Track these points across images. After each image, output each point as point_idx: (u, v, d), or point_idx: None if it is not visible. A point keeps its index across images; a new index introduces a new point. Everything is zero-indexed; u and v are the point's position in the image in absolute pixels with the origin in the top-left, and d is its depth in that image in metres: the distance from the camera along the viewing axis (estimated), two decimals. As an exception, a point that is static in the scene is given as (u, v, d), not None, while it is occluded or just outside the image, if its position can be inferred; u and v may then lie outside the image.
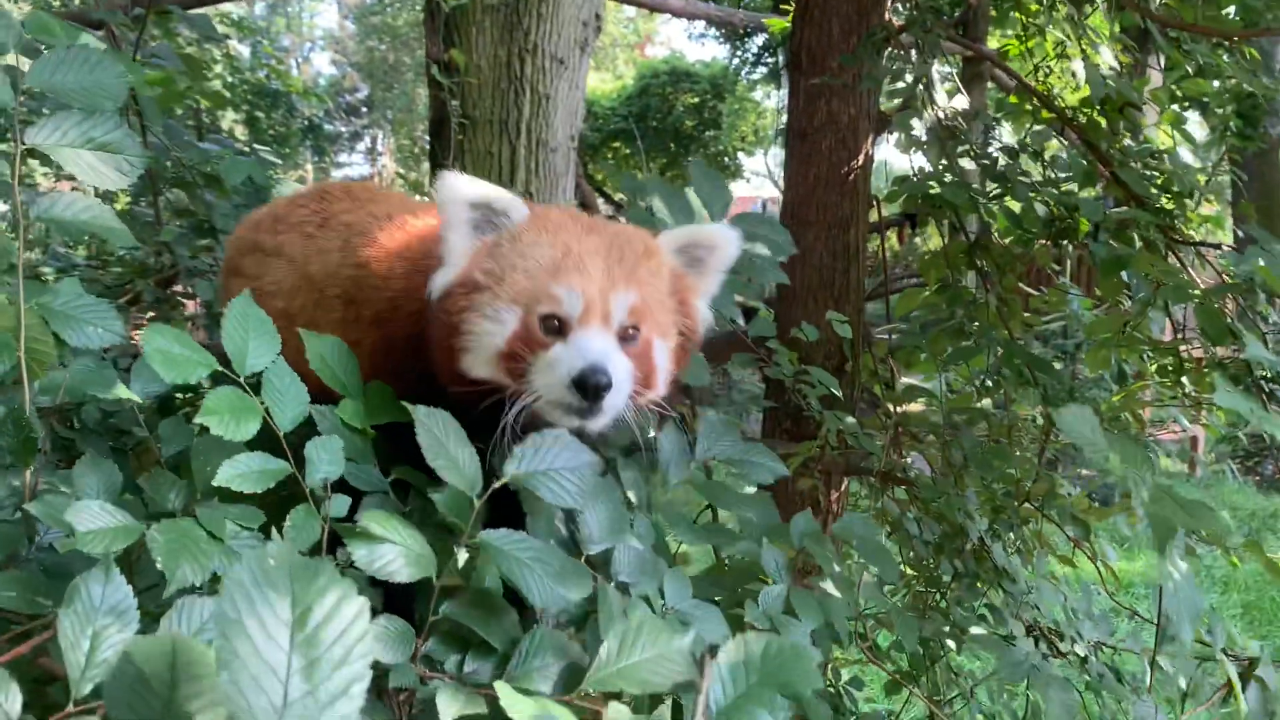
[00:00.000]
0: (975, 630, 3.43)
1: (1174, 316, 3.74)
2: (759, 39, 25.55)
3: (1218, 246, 3.77)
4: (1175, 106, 4.57)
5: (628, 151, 24.98)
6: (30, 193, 1.84)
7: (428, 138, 6.17)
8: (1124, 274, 3.64)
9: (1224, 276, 3.72)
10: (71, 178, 1.89)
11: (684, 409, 2.48)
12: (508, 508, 2.01)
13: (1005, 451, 3.63)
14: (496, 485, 1.75)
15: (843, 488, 4.42)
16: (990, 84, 10.57)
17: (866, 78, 3.98)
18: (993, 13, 7.65)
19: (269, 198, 4.21)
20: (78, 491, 1.72)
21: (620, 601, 1.86)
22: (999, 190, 3.73)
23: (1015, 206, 3.73)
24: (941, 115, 3.87)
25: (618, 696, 1.58)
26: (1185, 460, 12.93)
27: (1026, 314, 4.40)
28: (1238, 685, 3.01)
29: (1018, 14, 4.65)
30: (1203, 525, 1.87)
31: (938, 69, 3.92)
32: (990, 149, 3.91)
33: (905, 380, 4.60)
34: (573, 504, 1.83)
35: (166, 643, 1.07)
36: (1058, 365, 5.69)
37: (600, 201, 10.65)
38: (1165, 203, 3.70)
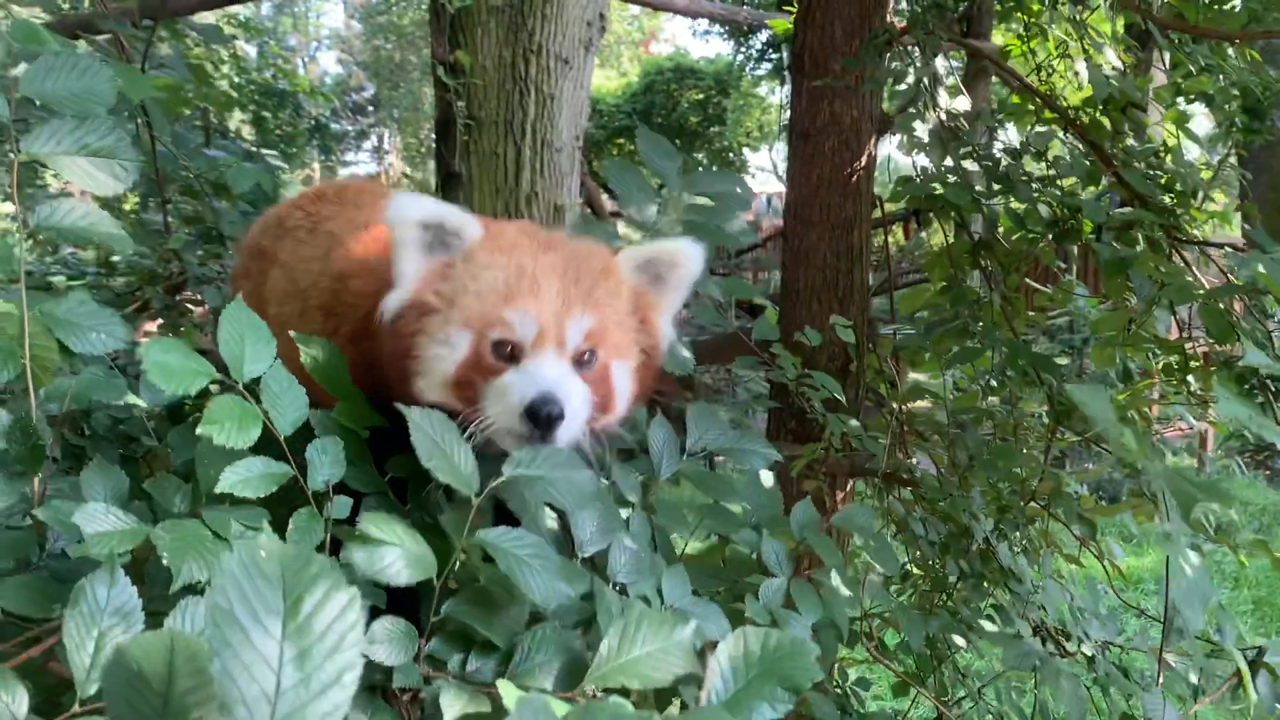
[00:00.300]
0: (983, 625, 3.43)
1: (1179, 315, 3.74)
2: (763, 35, 25.53)
3: (1221, 246, 3.76)
4: (1180, 103, 4.56)
5: (632, 149, 24.98)
6: (30, 200, 1.87)
7: (434, 137, 6.19)
8: (1128, 274, 3.64)
9: (1229, 275, 3.72)
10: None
11: (685, 404, 2.46)
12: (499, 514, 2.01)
13: (1011, 450, 3.63)
14: (495, 484, 1.73)
15: (848, 489, 4.43)
16: (995, 80, 10.53)
17: (869, 79, 3.98)
18: (997, 8, 7.63)
19: (278, 200, 4.24)
20: (85, 496, 1.74)
21: (618, 601, 1.86)
22: (1002, 191, 3.73)
23: (1018, 207, 3.73)
24: (944, 116, 3.88)
25: (623, 693, 1.60)
26: (1193, 456, 12.90)
27: (1032, 312, 4.40)
28: (1247, 674, 3.00)
29: (1019, 15, 4.65)
30: (1218, 500, 1.87)
31: (941, 65, 3.92)
32: (993, 149, 3.91)
33: (912, 376, 4.61)
34: (576, 504, 1.82)
35: (164, 639, 1.08)
36: (1064, 360, 5.69)
37: (605, 198, 10.65)
38: (1168, 201, 3.69)
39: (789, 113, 4.66)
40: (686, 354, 2.57)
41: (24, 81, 1.84)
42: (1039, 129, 3.95)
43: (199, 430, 1.66)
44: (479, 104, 5.72)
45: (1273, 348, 3.13)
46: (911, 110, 3.77)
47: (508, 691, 1.49)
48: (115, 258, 4.55)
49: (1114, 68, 3.96)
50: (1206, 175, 4.31)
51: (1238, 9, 4.36)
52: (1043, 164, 3.87)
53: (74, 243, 2.33)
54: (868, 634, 3.48)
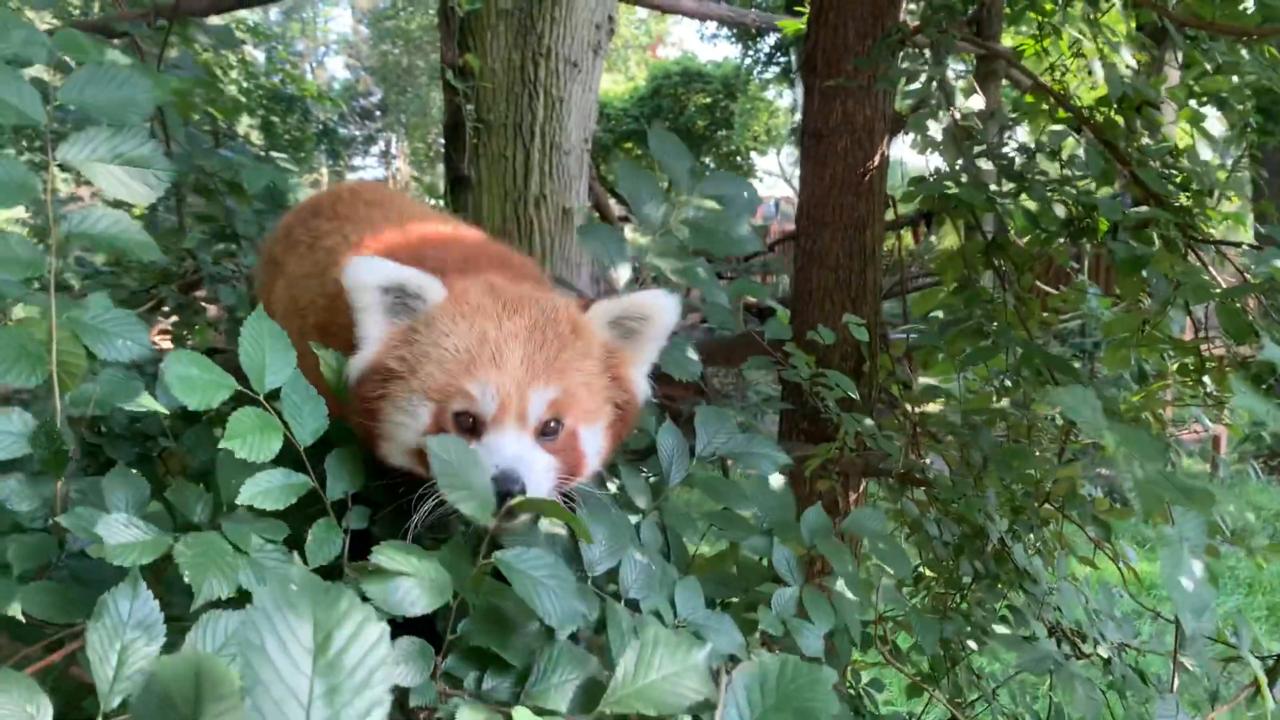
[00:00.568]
0: (997, 629, 3.41)
1: (1195, 315, 3.72)
2: (771, 38, 25.55)
3: (1238, 245, 3.74)
4: (1193, 103, 4.54)
5: (639, 152, 25.02)
6: (60, 207, 1.88)
7: (442, 141, 6.21)
8: (1143, 273, 3.62)
9: (1245, 275, 3.70)
10: (89, 184, 1.92)
11: (695, 407, 2.44)
12: None
13: (1026, 451, 3.61)
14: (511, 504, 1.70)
15: (861, 489, 4.42)
16: (1005, 82, 10.52)
17: (881, 79, 3.98)
18: (1007, 10, 7.61)
19: (286, 202, 4.26)
20: (107, 504, 1.74)
21: (630, 620, 1.84)
22: (1016, 190, 3.72)
23: (1032, 206, 3.71)
24: (957, 115, 3.87)
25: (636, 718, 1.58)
26: (1207, 460, 12.83)
27: (1045, 313, 4.38)
28: (1264, 682, 2.98)
29: (1032, 14, 4.64)
30: (1196, 505, 1.84)
31: (953, 69, 3.91)
32: (1006, 148, 3.89)
33: (921, 381, 4.59)
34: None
35: (191, 663, 1.09)
36: (1075, 364, 5.66)
37: (612, 203, 10.65)
38: (1183, 200, 3.68)
39: (800, 113, 4.66)
40: (694, 359, 2.53)
41: (64, 90, 1.86)
42: (1054, 128, 3.94)
43: (222, 444, 1.67)
44: (488, 107, 5.73)
45: (1291, 345, 3.11)
46: (925, 109, 3.76)
47: (524, 719, 1.48)
48: (131, 259, 4.57)
49: (1129, 66, 3.95)
50: (1221, 176, 4.29)
51: (1250, 10, 4.34)
52: (1056, 164, 3.86)
53: (104, 250, 2.33)
54: (881, 637, 3.46)
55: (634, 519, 2.22)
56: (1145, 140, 3.77)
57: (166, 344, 4.26)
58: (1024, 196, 3.71)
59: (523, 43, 5.86)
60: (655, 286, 2.37)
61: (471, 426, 1.86)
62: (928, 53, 3.93)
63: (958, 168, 3.76)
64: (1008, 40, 7.63)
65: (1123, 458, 1.72)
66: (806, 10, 4.53)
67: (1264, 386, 3.20)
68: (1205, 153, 4.02)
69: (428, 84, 31.30)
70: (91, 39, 2.17)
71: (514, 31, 5.86)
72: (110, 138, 1.87)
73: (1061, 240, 3.85)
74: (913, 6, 4.55)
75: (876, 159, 4.33)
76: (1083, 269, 5.17)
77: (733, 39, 27.50)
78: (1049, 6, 4.40)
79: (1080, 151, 3.83)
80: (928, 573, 3.86)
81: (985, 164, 3.79)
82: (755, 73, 27.74)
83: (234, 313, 3.85)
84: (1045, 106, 4.13)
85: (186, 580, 1.52)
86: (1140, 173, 3.52)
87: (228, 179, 4.08)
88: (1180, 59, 4.32)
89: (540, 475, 1.86)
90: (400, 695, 1.65)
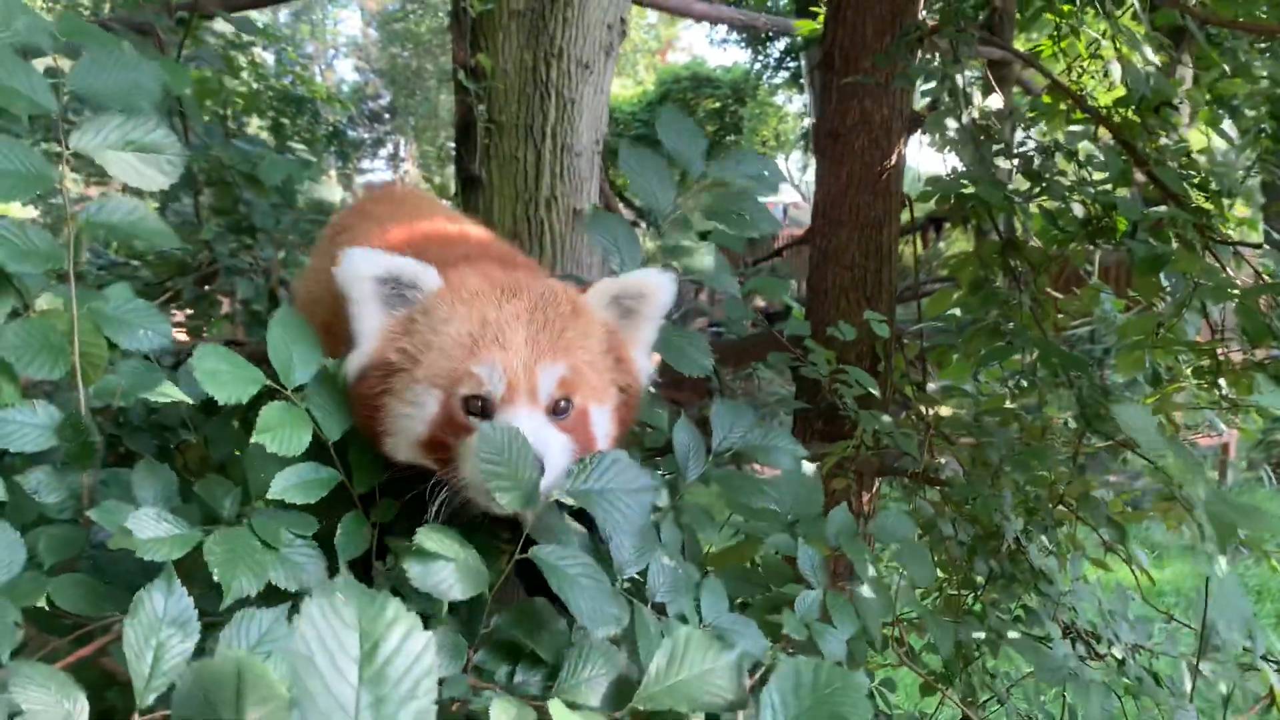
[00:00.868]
0: (1011, 634, 3.40)
1: (1211, 318, 3.71)
2: (780, 43, 25.55)
3: (1258, 246, 3.73)
4: (1210, 106, 4.53)
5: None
6: (78, 196, 1.87)
7: (450, 144, 6.21)
8: (1160, 274, 3.61)
9: (1262, 277, 3.68)
10: (101, 181, 1.91)
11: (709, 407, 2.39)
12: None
13: (1042, 452, 3.60)
14: (551, 500, 1.70)
15: (875, 489, 4.41)
16: (1016, 88, 10.52)
17: (899, 76, 3.97)
18: (1019, 16, 7.61)
19: (293, 198, 4.27)
20: (136, 498, 1.74)
21: (658, 625, 1.82)
22: (1035, 190, 3.71)
23: (1051, 206, 3.70)
24: (975, 114, 3.86)
25: (665, 715, 1.57)
26: (1215, 466, 12.78)
27: (1059, 315, 4.37)
28: (1280, 691, 2.97)
29: (1049, 15, 4.63)
30: (1256, 527, 1.84)
31: (969, 72, 3.90)
32: (1024, 148, 3.89)
33: (934, 385, 4.58)
34: (626, 531, 1.76)
35: (232, 665, 1.09)
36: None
37: (621, 207, 10.65)
38: (1200, 201, 3.67)
39: (810, 118, 4.67)
40: (705, 354, 2.44)
41: (72, 76, 1.84)
42: (1072, 128, 3.93)
43: (253, 439, 1.66)
44: (499, 108, 5.72)
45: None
46: (942, 108, 3.75)
47: (559, 711, 1.46)
48: (145, 251, 4.58)
49: (1148, 63, 3.94)
50: (1238, 176, 4.28)
51: (1265, 14, 4.33)
52: (1073, 164, 3.85)
53: (124, 240, 2.32)
54: (897, 639, 3.45)
55: (653, 518, 2.20)
56: (1164, 140, 3.75)
57: (182, 337, 4.26)
58: (1043, 196, 3.70)
59: (535, 43, 5.84)
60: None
61: (481, 410, 1.82)
62: (937, 56, 3.92)
63: (976, 167, 3.75)
64: (1019, 46, 7.63)
65: (1189, 482, 1.71)
66: (821, 10, 4.53)
67: (1282, 387, 3.20)
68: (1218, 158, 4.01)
69: (437, 87, 31.36)
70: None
71: (526, 32, 5.84)
72: (121, 124, 1.85)
73: (1073, 245, 3.84)
74: (931, 4, 4.55)
75: (893, 158, 4.33)
76: (1094, 273, 5.15)
77: (743, 44, 27.51)
78: (1066, 8, 4.39)
79: (1095, 152, 3.82)
80: (941, 574, 3.85)
81: (1003, 163, 3.79)
82: (765, 78, 27.74)
83: (250, 305, 3.85)
84: (1063, 107, 4.13)
85: (216, 578, 1.52)
86: (1159, 172, 3.51)
87: (245, 172, 4.08)
88: (1193, 61, 4.31)
89: (557, 453, 1.82)
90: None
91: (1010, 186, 3.74)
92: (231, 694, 1.00)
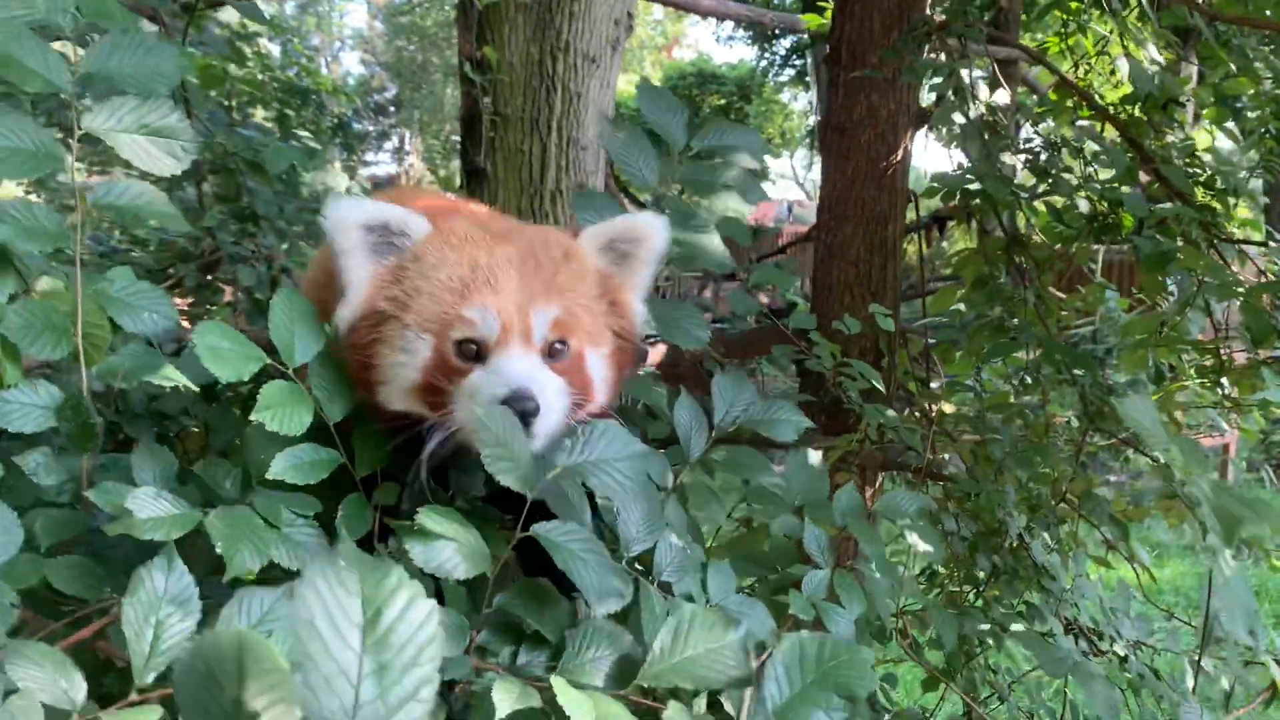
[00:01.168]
0: (1015, 627, 3.39)
1: (1214, 316, 3.70)
2: (786, 40, 25.53)
3: (1263, 244, 3.72)
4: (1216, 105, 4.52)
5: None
6: (85, 179, 1.86)
7: (455, 137, 6.21)
8: (1165, 271, 3.60)
9: (1266, 275, 3.68)
10: (104, 171, 1.90)
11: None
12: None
13: (1046, 449, 3.60)
14: (549, 475, 1.67)
15: (878, 484, 4.40)
16: (1022, 88, 10.50)
17: (907, 71, 3.96)
18: (1024, 17, 7.59)
19: (297, 186, 4.26)
20: (135, 479, 1.73)
21: (663, 604, 1.81)
22: (1042, 186, 3.70)
23: (1057, 202, 3.70)
24: (983, 110, 3.85)
25: (671, 693, 1.56)
26: (1216, 466, 12.75)
27: (1063, 312, 4.36)
28: (1283, 685, 2.97)
29: (1058, 13, 4.62)
30: (1263, 521, 1.83)
31: (976, 69, 3.90)
32: (1031, 144, 3.88)
33: (937, 381, 4.57)
34: (623, 497, 1.75)
35: (233, 638, 1.08)
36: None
37: (627, 203, 10.64)
38: (1204, 198, 3.66)
39: (816, 115, 4.66)
40: (702, 327, 2.41)
41: (89, 57, 1.82)
42: (1080, 123, 3.92)
43: (253, 416, 1.65)
44: (505, 100, 5.72)
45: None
46: (949, 103, 3.74)
47: (562, 690, 1.45)
48: (140, 232, 4.55)
49: (1154, 62, 3.93)
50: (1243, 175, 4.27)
51: (1271, 12, 4.32)
52: (1079, 161, 3.84)
53: (131, 222, 2.30)
54: (901, 631, 3.44)
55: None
56: (1170, 138, 3.74)
57: (184, 324, 4.25)
58: (1049, 193, 3.70)
59: (541, 37, 5.83)
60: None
61: (476, 353, 1.81)
62: (953, 45, 3.90)
63: (982, 162, 3.75)
64: (1024, 43, 7.62)
65: (1190, 475, 1.70)
66: (829, 5, 4.52)
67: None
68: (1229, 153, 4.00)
69: (442, 80, 31.35)
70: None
71: (532, 25, 5.84)
72: (136, 107, 1.83)
73: (1078, 242, 3.83)
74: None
75: (899, 153, 4.32)
76: (1098, 272, 5.15)
77: (749, 40, 27.49)
78: (1074, 5, 4.38)
79: (1098, 147, 3.81)
80: (941, 570, 3.85)
81: (1008, 158, 3.78)
82: (770, 75, 27.73)
83: (253, 293, 3.84)
84: (1069, 104, 4.12)
85: (219, 551, 1.51)
86: (1165, 170, 3.50)
87: (249, 159, 4.06)
88: (1198, 60, 4.30)
89: (553, 394, 1.80)
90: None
91: (1016, 182, 3.73)
92: (233, 667, 1.00)
